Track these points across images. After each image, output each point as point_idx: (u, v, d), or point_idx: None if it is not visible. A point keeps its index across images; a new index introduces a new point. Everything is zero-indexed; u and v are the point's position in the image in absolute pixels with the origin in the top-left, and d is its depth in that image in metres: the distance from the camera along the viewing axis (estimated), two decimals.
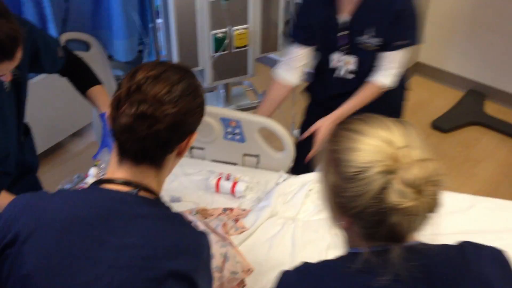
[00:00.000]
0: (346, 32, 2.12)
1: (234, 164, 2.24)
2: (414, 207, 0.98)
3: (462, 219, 1.93)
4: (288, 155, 2.14)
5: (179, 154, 1.27)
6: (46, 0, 2.82)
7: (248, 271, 1.71)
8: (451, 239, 1.15)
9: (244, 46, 2.67)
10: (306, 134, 2.15)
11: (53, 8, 2.88)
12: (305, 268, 1.12)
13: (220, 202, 2.03)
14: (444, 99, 3.97)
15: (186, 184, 2.11)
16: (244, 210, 1.97)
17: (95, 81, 1.99)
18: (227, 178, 2.07)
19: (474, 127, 3.71)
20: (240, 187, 2.03)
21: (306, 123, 2.40)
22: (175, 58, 2.63)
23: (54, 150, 3.39)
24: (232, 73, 2.80)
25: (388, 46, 2.09)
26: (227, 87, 2.97)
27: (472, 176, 3.28)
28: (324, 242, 1.79)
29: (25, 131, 1.97)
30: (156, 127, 1.14)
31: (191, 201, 2.03)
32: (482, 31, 3.77)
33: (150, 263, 1.09)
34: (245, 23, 2.61)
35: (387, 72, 2.13)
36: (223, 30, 2.59)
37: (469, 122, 3.72)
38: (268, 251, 1.80)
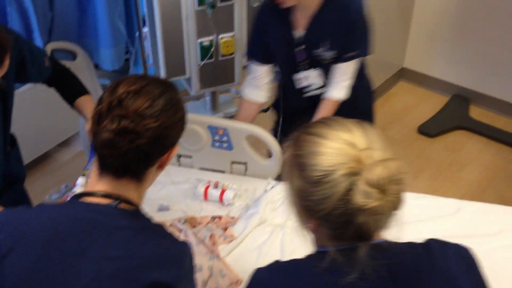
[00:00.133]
0: (303, 47, 2.12)
1: (222, 172, 2.24)
2: (379, 207, 1.01)
3: (448, 223, 1.95)
4: (276, 162, 2.15)
5: (161, 167, 1.27)
6: (31, 10, 2.81)
7: (237, 282, 1.70)
8: None
9: (231, 54, 2.69)
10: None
11: (38, 18, 2.87)
12: (277, 266, 1.14)
13: (208, 210, 2.03)
14: (429, 104, 4.00)
15: (174, 193, 2.11)
16: (232, 218, 1.97)
17: (83, 91, 1.99)
18: (216, 186, 2.07)
19: (459, 131, 3.74)
20: (228, 194, 2.03)
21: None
22: (162, 67, 2.64)
23: (41, 160, 3.37)
24: (219, 81, 2.80)
25: (340, 58, 2.10)
26: (214, 94, 2.98)
27: (458, 180, 3.31)
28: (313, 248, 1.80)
29: (11, 141, 1.95)
30: (138, 142, 1.14)
31: (180, 209, 2.03)
32: (466, 36, 3.81)
33: (133, 274, 1.09)
34: (232, 31, 2.62)
35: (339, 85, 2.14)
36: (210, 38, 2.60)
37: (454, 126, 3.75)
38: (257, 259, 1.80)
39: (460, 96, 4.00)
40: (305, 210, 1.10)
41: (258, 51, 2.23)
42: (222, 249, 1.83)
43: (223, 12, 2.56)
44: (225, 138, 2.14)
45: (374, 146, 1.05)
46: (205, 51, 2.62)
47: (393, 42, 3.99)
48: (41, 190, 2.90)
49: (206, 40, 2.60)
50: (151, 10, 2.53)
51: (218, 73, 2.75)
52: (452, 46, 3.92)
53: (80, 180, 1.90)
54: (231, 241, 1.86)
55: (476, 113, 3.89)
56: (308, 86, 2.23)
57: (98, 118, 1.16)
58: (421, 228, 1.82)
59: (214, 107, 3.03)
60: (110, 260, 1.10)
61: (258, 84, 2.27)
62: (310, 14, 2.06)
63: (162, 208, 2.03)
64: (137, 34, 2.96)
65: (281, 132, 2.41)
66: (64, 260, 1.09)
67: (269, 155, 2.22)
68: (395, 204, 1.04)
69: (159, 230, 1.21)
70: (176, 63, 2.64)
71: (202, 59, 2.64)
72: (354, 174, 1.01)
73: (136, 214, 1.21)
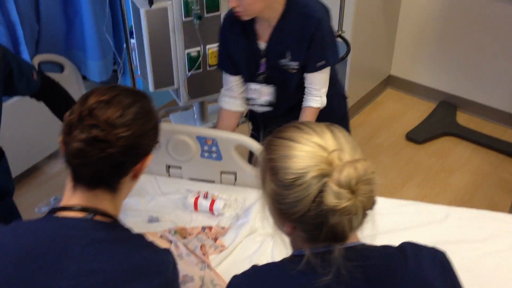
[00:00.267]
0: (264, 60, 2.14)
1: (212, 182, 2.25)
2: (351, 207, 1.02)
3: (437, 229, 1.96)
4: None
5: (135, 177, 1.26)
6: (18, 22, 2.80)
7: None
8: None
9: None
10: None
11: (25, 30, 2.86)
12: (253, 271, 1.16)
13: (198, 220, 2.03)
14: (417, 111, 4.03)
15: (164, 204, 2.11)
16: (223, 228, 1.97)
17: (72, 104, 1.98)
18: (205, 196, 2.07)
19: (447, 137, 3.76)
20: (218, 205, 2.04)
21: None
22: (150, 78, 2.64)
23: (30, 172, 3.35)
24: (208, 91, 2.81)
25: (309, 68, 2.12)
26: (202, 105, 2.98)
27: (446, 186, 3.33)
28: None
29: None
30: (109, 151, 1.14)
31: (170, 220, 2.02)
32: (451, 43, 3.85)
33: (113, 287, 1.08)
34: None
35: (314, 94, 2.16)
36: (197, 48, 2.61)
37: (442, 133, 3.78)
38: None
39: (447, 102, 4.04)
40: (279, 213, 1.11)
41: (227, 62, 2.24)
42: (213, 259, 1.83)
43: (210, 22, 2.57)
44: (214, 149, 2.15)
45: (344, 147, 1.07)
46: (193, 61, 2.63)
47: (379, 50, 4.02)
48: (30, 203, 2.88)
49: (193, 51, 2.61)
50: (138, 22, 2.53)
51: (206, 83, 2.76)
52: (438, 53, 3.96)
53: None
54: (221, 251, 1.86)
55: (463, 119, 3.93)
56: (254, 99, 2.25)
57: (69, 129, 1.16)
58: (410, 235, 1.81)
59: (203, 117, 3.03)
60: (87, 274, 1.08)
61: (233, 94, 2.29)
62: (272, 25, 2.07)
63: (152, 220, 2.03)
64: (124, 45, 2.96)
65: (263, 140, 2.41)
66: (41, 278, 1.08)
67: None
68: (366, 204, 1.05)
69: (138, 240, 1.21)
70: (164, 74, 2.65)
71: (190, 69, 2.64)
72: (325, 175, 1.02)
73: (113, 226, 1.20)
